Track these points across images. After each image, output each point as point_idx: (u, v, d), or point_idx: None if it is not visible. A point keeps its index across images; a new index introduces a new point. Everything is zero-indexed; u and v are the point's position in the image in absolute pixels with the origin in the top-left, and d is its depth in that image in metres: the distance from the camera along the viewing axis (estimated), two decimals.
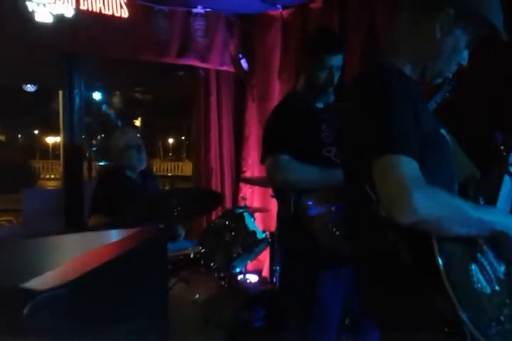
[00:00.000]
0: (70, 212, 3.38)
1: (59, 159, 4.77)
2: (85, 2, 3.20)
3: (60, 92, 3.73)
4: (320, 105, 2.09)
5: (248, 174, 4.07)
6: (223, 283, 2.29)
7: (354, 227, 1.32)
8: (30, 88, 7.72)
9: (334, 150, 1.96)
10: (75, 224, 3.37)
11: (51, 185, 18.03)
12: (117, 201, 2.76)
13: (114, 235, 1.04)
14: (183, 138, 27.85)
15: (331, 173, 1.84)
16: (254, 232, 2.55)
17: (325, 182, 1.87)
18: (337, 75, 2.03)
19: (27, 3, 2.97)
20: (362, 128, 1.13)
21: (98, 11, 3.27)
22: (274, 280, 3.25)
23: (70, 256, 0.92)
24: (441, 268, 1.01)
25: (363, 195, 1.12)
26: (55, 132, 20.65)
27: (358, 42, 3.30)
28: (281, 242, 2.31)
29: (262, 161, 2.01)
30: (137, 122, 18.08)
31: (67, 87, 3.63)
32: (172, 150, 30.58)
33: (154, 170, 16.96)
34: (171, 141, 30.22)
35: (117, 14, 3.35)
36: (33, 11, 2.99)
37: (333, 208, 1.86)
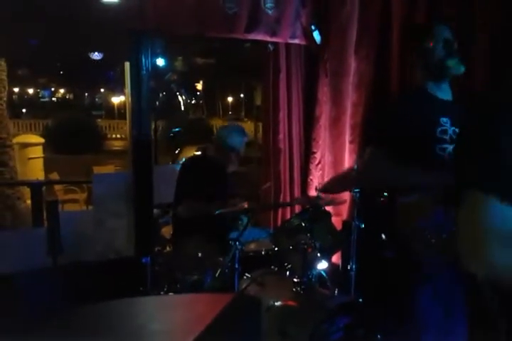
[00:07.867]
0: (140, 196, 3.37)
1: (124, 118, 4.72)
2: None
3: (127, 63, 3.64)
4: (444, 96, 1.90)
5: (318, 155, 3.86)
6: (299, 289, 2.18)
7: None
8: (96, 56, 7.80)
9: (450, 148, 1.78)
10: (145, 207, 3.37)
11: (117, 145, 18.64)
12: (207, 186, 2.75)
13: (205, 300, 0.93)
14: (241, 95, 27.68)
15: (429, 176, 1.72)
16: (332, 233, 2.39)
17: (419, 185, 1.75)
18: (452, 50, 1.85)
19: None
20: None
21: None
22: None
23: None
24: None
25: None
26: (119, 92, 21.07)
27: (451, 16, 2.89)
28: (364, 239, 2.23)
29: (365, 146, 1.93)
30: (199, 85, 17.94)
31: (134, 61, 3.54)
32: (231, 108, 30.63)
33: (214, 129, 16.91)
34: (230, 99, 30.19)
35: None
36: None
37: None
